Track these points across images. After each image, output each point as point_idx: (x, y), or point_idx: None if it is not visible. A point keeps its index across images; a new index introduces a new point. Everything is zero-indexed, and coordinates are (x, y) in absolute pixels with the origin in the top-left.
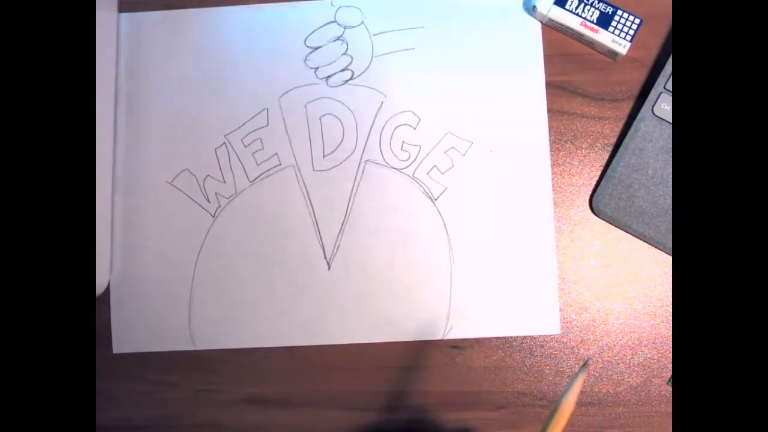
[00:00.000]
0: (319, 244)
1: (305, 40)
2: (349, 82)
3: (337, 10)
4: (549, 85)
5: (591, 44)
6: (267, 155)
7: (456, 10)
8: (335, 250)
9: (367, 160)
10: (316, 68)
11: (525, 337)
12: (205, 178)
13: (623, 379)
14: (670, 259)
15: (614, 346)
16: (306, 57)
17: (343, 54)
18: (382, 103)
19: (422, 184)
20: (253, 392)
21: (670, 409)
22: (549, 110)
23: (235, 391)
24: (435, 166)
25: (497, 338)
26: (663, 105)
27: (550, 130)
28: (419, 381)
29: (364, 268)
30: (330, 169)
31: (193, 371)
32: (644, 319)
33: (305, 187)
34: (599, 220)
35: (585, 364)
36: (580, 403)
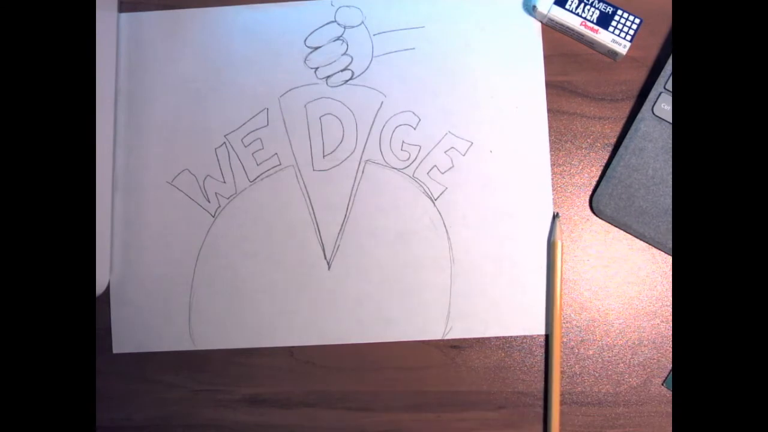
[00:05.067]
0: (319, 244)
1: (305, 40)
2: (349, 82)
3: (337, 10)
4: (549, 85)
5: (591, 44)
6: (267, 155)
7: (456, 10)
8: (335, 250)
9: (367, 160)
10: (316, 68)
11: (525, 337)
12: (205, 178)
13: (623, 379)
14: (670, 259)
15: (614, 346)
16: (306, 57)
17: (343, 54)
18: (382, 103)
19: (422, 184)
20: (253, 392)
21: (670, 409)
22: (549, 110)
23: (235, 391)
24: (435, 166)
25: (497, 338)
26: (663, 105)
27: (550, 130)
28: (419, 381)
29: (364, 268)
30: (330, 169)
31: (193, 371)
32: (644, 319)
33: (305, 187)
34: (599, 220)
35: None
36: (580, 403)
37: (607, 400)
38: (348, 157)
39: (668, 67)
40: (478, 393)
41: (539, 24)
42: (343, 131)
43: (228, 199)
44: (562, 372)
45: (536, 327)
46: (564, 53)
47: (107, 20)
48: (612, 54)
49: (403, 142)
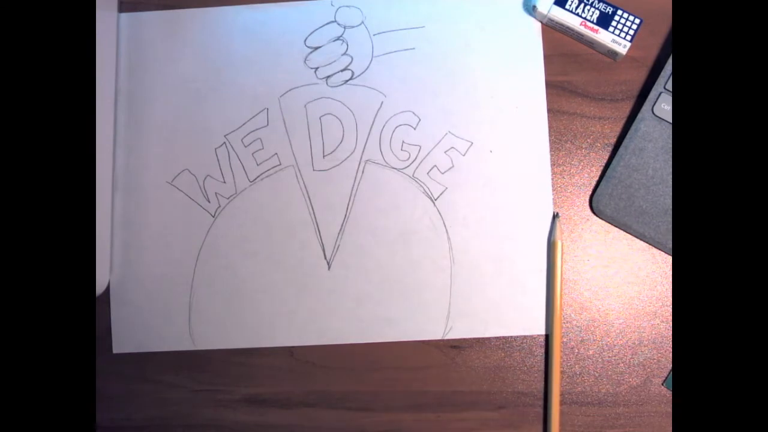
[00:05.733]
0: (319, 244)
1: (305, 40)
2: (349, 82)
3: (337, 10)
4: (549, 85)
5: (591, 44)
6: (267, 155)
7: (456, 10)
8: (335, 250)
9: (367, 160)
10: (316, 68)
11: (525, 337)
12: (205, 178)
13: (623, 379)
14: (670, 259)
15: (614, 346)
16: (306, 57)
17: (343, 54)
18: (382, 103)
19: (422, 184)
20: (253, 392)
21: (670, 409)
22: (549, 110)
23: (235, 391)
24: (435, 166)
25: (497, 338)
26: (663, 105)
27: (550, 130)
28: (419, 381)
29: (364, 268)
30: (330, 169)
31: (193, 371)
32: (644, 319)
33: (305, 187)
34: (599, 220)
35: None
36: (580, 403)
37: (607, 400)
38: (348, 157)
39: (668, 67)
40: (478, 393)
41: (539, 24)
42: (343, 131)
43: (228, 199)
44: (562, 372)
45: (536, 327)
46: (564, 53)
47: (107, 20)
48: (612, 54)
49: (403, 142)
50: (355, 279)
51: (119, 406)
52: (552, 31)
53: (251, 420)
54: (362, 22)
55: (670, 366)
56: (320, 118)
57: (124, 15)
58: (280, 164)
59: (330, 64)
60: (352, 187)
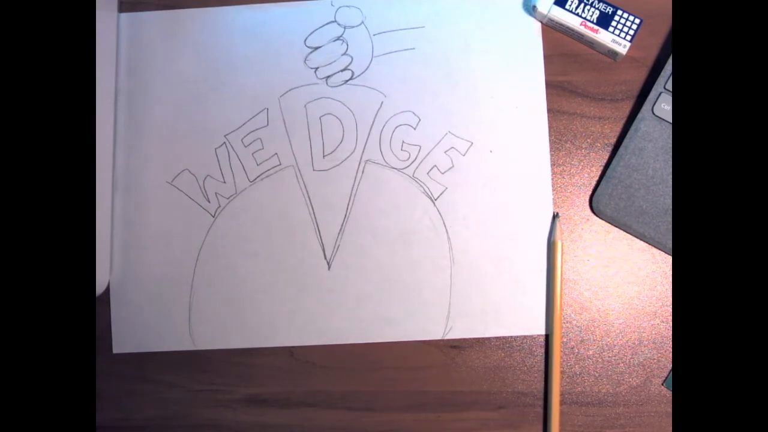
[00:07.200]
0: (319, 244)
1: (305, 40)
2: (349, 82)
3: (337, 10)
4: (549, 85)
5: (591, 44)
6: (267, 155)
7: (456, 10)
8: (335, 250)
9: (367, 160)
10: (316, 68)
11: (525, 337)
12: (205, 178)
13: (623, 379)
14: (670, 259)
15: (614, 346)
16: (306, 57)
17: (343, 54)
18: (382, 103)
19: (422, 184)
20: (253, 392)
21: (670, 409)
22: (549, 110)
23: (235, 391)
24: (435, 166)
25: (497, 338)
26: (663, 105)
27: (550, 130)
28: (419, 381)
29: (364, 268)
30: (330, 169)
31: (193, 371)
32: (644, 319)
33: (305, 187)
34: (599, 220)
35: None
36: (580, 403)
37: (607, 400)
38: (348, 157)
39: (668, 67)
40: (478, 393)
41: (539, 24)
42: (343, 131)
43: (228, 199)
44: (562, 372)
45: (536, 327)
46: (564, 53)
47: (107, 20)
48: (612, 54)
49: (403, 142)
50: (355, 279)
51: (119, 406)
52: (552, 31)
53: (251, 420)
54: (362, 22)
55: (670, 366)
56: (320, 118)
57: (124, 15)
58: (280, 164)
59: (330, 64)
60: (352, 187)
